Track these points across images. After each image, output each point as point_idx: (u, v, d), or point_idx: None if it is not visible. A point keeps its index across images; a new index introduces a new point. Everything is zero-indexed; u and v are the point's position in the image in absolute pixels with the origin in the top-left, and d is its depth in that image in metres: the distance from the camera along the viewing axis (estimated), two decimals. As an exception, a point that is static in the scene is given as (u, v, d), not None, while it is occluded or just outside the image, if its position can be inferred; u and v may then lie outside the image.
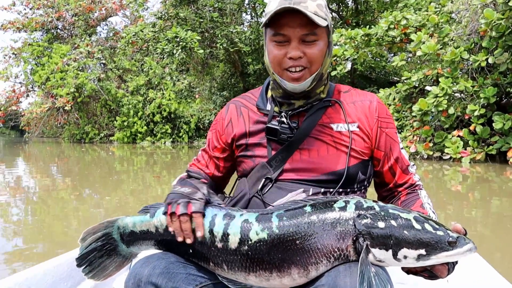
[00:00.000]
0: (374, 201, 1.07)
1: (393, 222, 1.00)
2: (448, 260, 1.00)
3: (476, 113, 7.98)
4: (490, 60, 7.92)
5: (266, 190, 1.27)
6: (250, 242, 1.06)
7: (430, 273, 1.06)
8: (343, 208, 1.04)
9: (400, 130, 9.75)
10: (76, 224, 4.13)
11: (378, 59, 17.75)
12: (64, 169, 10.17)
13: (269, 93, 1.37)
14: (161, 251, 1.20)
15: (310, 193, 1.22)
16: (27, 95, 23.42)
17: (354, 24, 17.74)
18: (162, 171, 9.06)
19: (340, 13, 20.00)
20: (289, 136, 1.26)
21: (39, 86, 21.54)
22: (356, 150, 1.26)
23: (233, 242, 1.07)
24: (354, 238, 1.01)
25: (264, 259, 1.04)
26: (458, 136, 8.44)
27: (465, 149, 8.29)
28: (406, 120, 9.89)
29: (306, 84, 1.23)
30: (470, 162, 8.19)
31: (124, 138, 20.48)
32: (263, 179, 1.27)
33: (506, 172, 7.31)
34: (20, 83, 23.47)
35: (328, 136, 1.27)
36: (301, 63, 1.20)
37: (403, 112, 10.06)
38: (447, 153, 8.36)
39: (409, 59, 10.09)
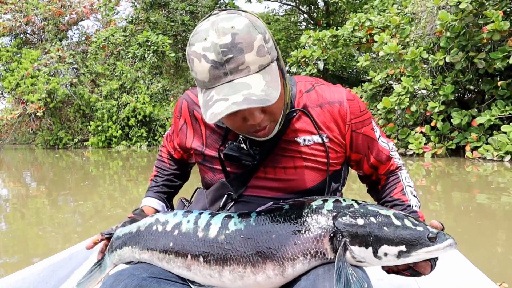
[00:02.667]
0: (353, 200, 1.05)
1: (372, 219, 0.98)
2: (429, 256, 0.98)
3: (436, 110, 8.40)
4: (447, 59, 8.36)
5: (229, 207, 1.18)
6: (227, 231, 1.04)
7: (412, 271, 1.04)
8: (320, 206, 1.02)
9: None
10: (51, 231, 4.12)
11: (349, 59, 18.21)
12: (38, 176, 10.11)
13: None
14: (132, 265, 1.15)
15: None
16: (-3, 102, 22.98)
17: (325, 25, 18.14)
18: (138, 175, 9.13)
19: (311, 14, 20.38)
20: (252, 163, 1.14)
21: (9, 92, 21.18)
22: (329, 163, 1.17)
23: (213, 231, 1.05)
24: (331, 235, 0.98)
25: (239, 251, 1.01)
26: (421, 132, 8.86)
27: (427, 145, 8.71)
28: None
29: (274, 132, 1.10)
30: (432, 157, 8.60)
31: (99, 143, 20.34)
32: (225, 196, 1.18)
33: (465, 166, 7.72)
34: (-12, 89, 23.02)
35: (295, 152, 1.15)
36: (264, 123, 1.03)
37: (371, 110, 10.44)
38: (411, 149, 8.77)
39: (376, 59, 10.45)
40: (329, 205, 1.03)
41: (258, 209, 1.08)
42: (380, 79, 9.62)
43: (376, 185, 1.32)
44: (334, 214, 1.00)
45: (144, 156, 14.63)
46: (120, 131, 20.08)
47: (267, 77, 0.94)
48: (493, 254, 3.04)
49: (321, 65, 11.39)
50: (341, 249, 0.96)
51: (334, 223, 0.99)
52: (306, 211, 1.02)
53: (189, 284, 1.09)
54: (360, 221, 0.98)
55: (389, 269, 1.07)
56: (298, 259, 0.99)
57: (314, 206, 1.03)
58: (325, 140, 1.15)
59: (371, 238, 0.96)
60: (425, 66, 8.87)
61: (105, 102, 20.38)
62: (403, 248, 0.96)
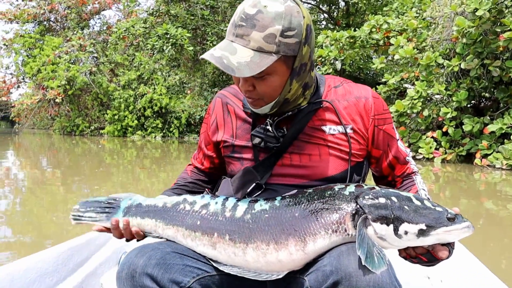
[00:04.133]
0: (373, 185, 1.10)
1: (394, 199, 1.01)
2: (447, 236, 0.99)
3: (448, 116, 8.40)
4: (463, 66, 8.34)
5: (255, 195, 1.21)
6: (253, 211, 1.09)
7: (430, 256, 1.04)
8: (343, 188, 1.07)
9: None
10: (65, 215, 4.18)
11: (367, 60, 18.11)
12: (54, 161, 10.37)
13: None
14: (156, 241, 1.17)
15: None
16: (18, 86, 23.51)
17: (345, 25, 18.06)
18: (151, 165, 9.29)
19: (332, 13, 20.33)
20: (275, 145, 1.20)
21: (30, 77, 21.64)
22: (351, 153, 1.22)
23: (240, 211, 1.10)
24: (354, 212, 1.02)
25: (263, 229, 1.06)
26: (432, 137, 8.86)
27: (438, 150, 8.72)
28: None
29: (264, 110, 1.18)
30: (442, 162, 8.61)
31: (114, 131, 20.63)
32: (252, 184, 1.22)
33: (474, 173, 7.73)
34: (11, 74, 23.57)
35: (320, 139, 1.21)
36: (252, 95, 1.14)
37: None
38: (420, 153, 8.79)
39: (393, 62, 10.46)
40: (351, 187, 1.07)
41: (283, 195, 1.12)
42: (394, 82, 9.63)
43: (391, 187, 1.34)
44: (357, 193, 1.04)
45: (158, 147, 14.83)
46: (136, 121, 20.33)
47: (256, 59, 1.03)
48: (500, 259, 3.09)
49: (338, 65, 11.42)
50: (362, 221, 0.99)
51: (356, 201, 1.02)
52: (329, 192, 1.07)
53: (212, 262, 1.12)
54: (382, 200, 1.01)
55: (406, 255, 1.06)
56: (319, 234, 1.01)
57: (336, 189, 1.07)
58: (350, 131, 1.21)
59: (392, 216, 0.99)
60: (441, 71, 8.85)
61: (123, 91, 20.65)
62: (423, 226, 0.98)
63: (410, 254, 1.05)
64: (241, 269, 1.08)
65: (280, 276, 1.05)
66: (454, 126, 8.60)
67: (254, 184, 1.22)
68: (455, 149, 8.61)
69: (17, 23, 23.65)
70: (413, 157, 9.00)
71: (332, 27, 18.81)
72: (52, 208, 4.74)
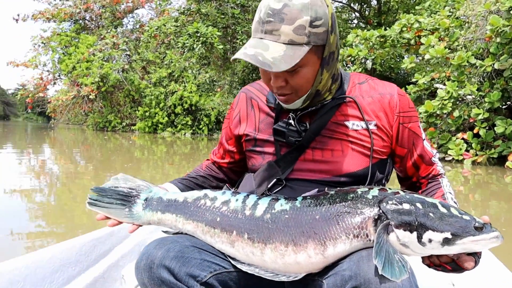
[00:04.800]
0: (398, 189, 1.05)
1: (418, 205, 0.97)
2: (473, 246, 0.95)
3: (480, 117, 8.20)
4: (496, 66, 8.13)
5: (275, 191, 1.21)
6: (273, 211, 1.07)
7: (454, 265, 1.00)
8: (366, 192, 1.03)
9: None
10: None
11: (398, 60, 17.84)
12: (87, 155, 10.69)
13: None
14: (174, 234, 1.17)
15: None
16: (54, 83, 24.32)
17: (376, 24, 17.86)
18: (181, 161, 9.44)
19: (363, 12, 20.11)
20: (297, 139, 1.19)
21: (65, 74, 22.35)
22: (374, 150, 1.19)
23: (260, 210, 1.08)
24: (376, 217, 0.98)
25: (283, 230, 1.04)
26: (462, 138, 8.67)
27: (468, 152, 8.53)
28: (415, 121, 10.10)
29: (296, 105, 1.17)
30: (471, 164, 8.42)
31: (145, 128, 21.04)
32: (273, 179, 1.22)
33: (506, 176, 7.53)
34: (47, 71, 24.38)
35: (343, 134, 1.19)
36: (284, 91, 1.13)
37: (413, 113, 10.25)
38: (450, 155, 8.61)
39: (427, 62, 10.28)
40: (375, 191, 1.03)
41: (304, 194, 1.10)
42: (425, 82, 9.47)
43: (416, 190, 1.31)
44: (380, 197, 1.01)
45: (188, 144, 15.03)
46: (166, 118, 20.66)
47: (289, 52, 1.03)
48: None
49: (369, 65, 11.33)
50: (383, 227, 0.96)
51: (379, 206, 0.99)
52: (351, 195, 1.03)
53: (230, 259, 1.11)
54: (406, 206, 0.97)
55: (430, 263, 1.03)
56: (340, 239, 0.99)
57: (359, 192, 1.04)
58: (373, 127, 1.19)
59: (416, 223, 0.95)
60: (473, 71, 8.65)
61: (154, 89, 21.02)
62: (448, 235, 0.94)
63: (434, 262, 1.02)
64: (259, 269, 1.06)
65: (298, 278, 1.03)
66: (486, 128, 8.39)
67: (275, 179, 1.21)
68: (486, 151, 8.40)
69: (54, 21, 24.44)
70: (442, 159, 8.94)
71: (363, 26, 18.62)
72: (84, 200, 4.87)
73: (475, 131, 8.46)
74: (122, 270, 1.82)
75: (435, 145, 8.99)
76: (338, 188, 1.09)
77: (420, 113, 9.19)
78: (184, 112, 20.57)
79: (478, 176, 7.63)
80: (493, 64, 8.18)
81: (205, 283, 1.06)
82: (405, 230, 0.95)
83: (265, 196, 1.15)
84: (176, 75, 21.00)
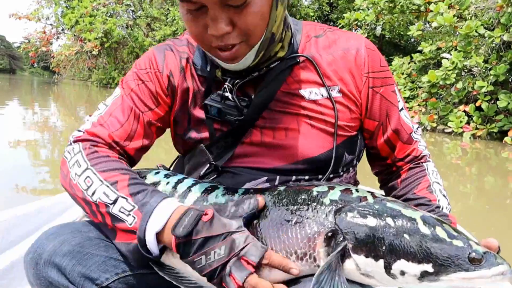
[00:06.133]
0: (369, 191, 0.79)
1: (389, 221, 0.71)
2: (466, 284, 0.69)
3: (483, 90, 8.01)
4: (505, 37, 7.86)
5: (210, 178, 0.95)
6: (205, 203, 0.84)
7: None
8: (323, 194, 0.78)
9: (409, 100, 9.84)
10: None
11: (408, 27, 17.42)
12: (90, 111, 10.72)
13: None
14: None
15: (277, 183, 0.91)
16: (57, 37, 24.00)
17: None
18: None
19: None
20: (237, 118, 0.90)
21: (68, 29, 22.03)
22: (339, 126, 0.92)
23: (189, 199, 0.86)
24: (329, 234, 0.72)
25: None
26: (464, 111, 8.52)
27: (469, 125, 8.40)
28: (418, 91, 9.96)
29: (246, 62, 0.85)
30: (470, 138, 8.31)
31: (148, 85, 20.97)
32: (207, 165, 0.95)
33: (502, 151, 7.43)
34: (50, 24, 24.00)
35: (298, 107, 0.91)
36: (230, 40, 0.79)
37: (417, 83, 10.09)
38: (449, 127, 8.49)
39: (436, 29, 9.98)
40: (335, 193, 0.77)
41: (247, 185, 0.89)
42: (431, 50, 9.21)
43: (394, 179, 1.04)
44: (338, 207, 0.75)
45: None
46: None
47: None
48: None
49: (378, 31, 11.05)
50: (336, 253, 0.71)
51: (334, 219, 0.73)
52: (302, 197, 0.78)
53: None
54: (372, 221, 0.71)
55: None
56: None
57: (315, 193, 0.78)
58: (337, 94, 0.92)
59: (384, 248, 0.70)
60: (481, 42, 8.39)
61: (158, 47, 20.77)
62: (428, 268, 0.68)
63: None
64: (178, 274, 0.82)
65: None
66: (489, 101, 8.21)
67: (208, 165, 0.94)
68: (487, 125, 8.26)
69: (57, -27, 23.84)
70: (442, 131, 8.80)
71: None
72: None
73: (477, 104, 8.29)
74: None
75: (435, 116, 8.85)
76: (293, 181, 0.89)
77: (423, 83, 9.00)
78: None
79: (477, 150, 7.54)
80: (503, 35, 7.91)
81: (106, 287, 0.83)
82: (367, 257, 0.70)
83: (204, 182, 0.91)
84: (180, 33, 20.60)
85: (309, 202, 0.77)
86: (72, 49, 21.29)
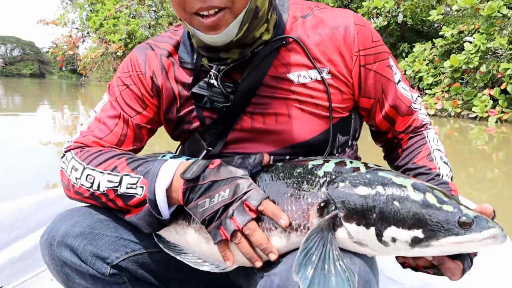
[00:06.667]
0: (363, 162, 0.80)
1: (380, 189, 0.72)
2: (457, 248, 0.69)
3: (508, 72, 7.79)
4: (529, 17, 7.63)
5: None
6: None
7: (436, 270, 0.77)
8: (317, 167, 0.79)
9: (432, 87, 9.64)
10: None
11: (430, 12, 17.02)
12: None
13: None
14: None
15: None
16: (83, 40, 24.57)
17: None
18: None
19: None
20: (224, 105, 0.91)
21: (93, 31, 22.52)
22: (331, 108, 0.92)
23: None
24: (322, 205, 0.74)
25: None
26: (489, 95, 8.31)
27: (494, 109, 8.19)
28: (441, 77, 9.75)
29: (229, 33, 0.82)
30: (496, 122, 8.10)
31: (172, 84, 21.19)
32: (203, 152, 0.96)
33: (527, 135, 7.22)
34: (76, 28, 24.59)
35: (287, 91, 0.91)
36: (214, 2, 0.77)
37: (440, 69, 9.88)
38: (474, 111, 8.30)
39: (452, 13, 9.77)
40: (329, 166, 0.79)
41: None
42: (453, 34, 9.00)
43: (395, 149, 1.03)
44: (331, 177, 0.76)
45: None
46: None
47: None
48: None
49: (400, 18, 10.88)
50: (325, 221, 0.72)
51: (327, 189, 0.75)
52: (298, 170, 0.80)
53: (154, 236, 0.92)
54: (363, 190, 0.72)
55: (405, 262, 0.80)
56: (274, 230, 0.76)
57: (310, 166, 0.80)
58: (327, 76, 0.90)
59: (375, 215, 0.70)
60: (505, 21, 8.13)
61: (180, 45, 20.94)
62: (419, 233, 0.68)
63: (410, 264, 0.79)
64: (182, 250, 0.87)
65: (226, 270, 0.82)
66: (514, 83, 7.98)
67: (205, 151, 0.96)
68: (513, 108, 8.04)
69: (81, -22, 24.34)
70: (466, 116, 8.58)
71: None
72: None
73: (502, 87, 8.07)
74: None
75: (459, 102, 8.66)
76: (288, 159, 0.90)
77: (446, 68, 8.82)
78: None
79: (504, 134, 7.34)
80: (526, 14, 7.68)
81: (117, 266, 0.88)
82: (358, 225, 0.71)
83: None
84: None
85: (304, 175, 0.78)
86: (98, 51, 21.74)
